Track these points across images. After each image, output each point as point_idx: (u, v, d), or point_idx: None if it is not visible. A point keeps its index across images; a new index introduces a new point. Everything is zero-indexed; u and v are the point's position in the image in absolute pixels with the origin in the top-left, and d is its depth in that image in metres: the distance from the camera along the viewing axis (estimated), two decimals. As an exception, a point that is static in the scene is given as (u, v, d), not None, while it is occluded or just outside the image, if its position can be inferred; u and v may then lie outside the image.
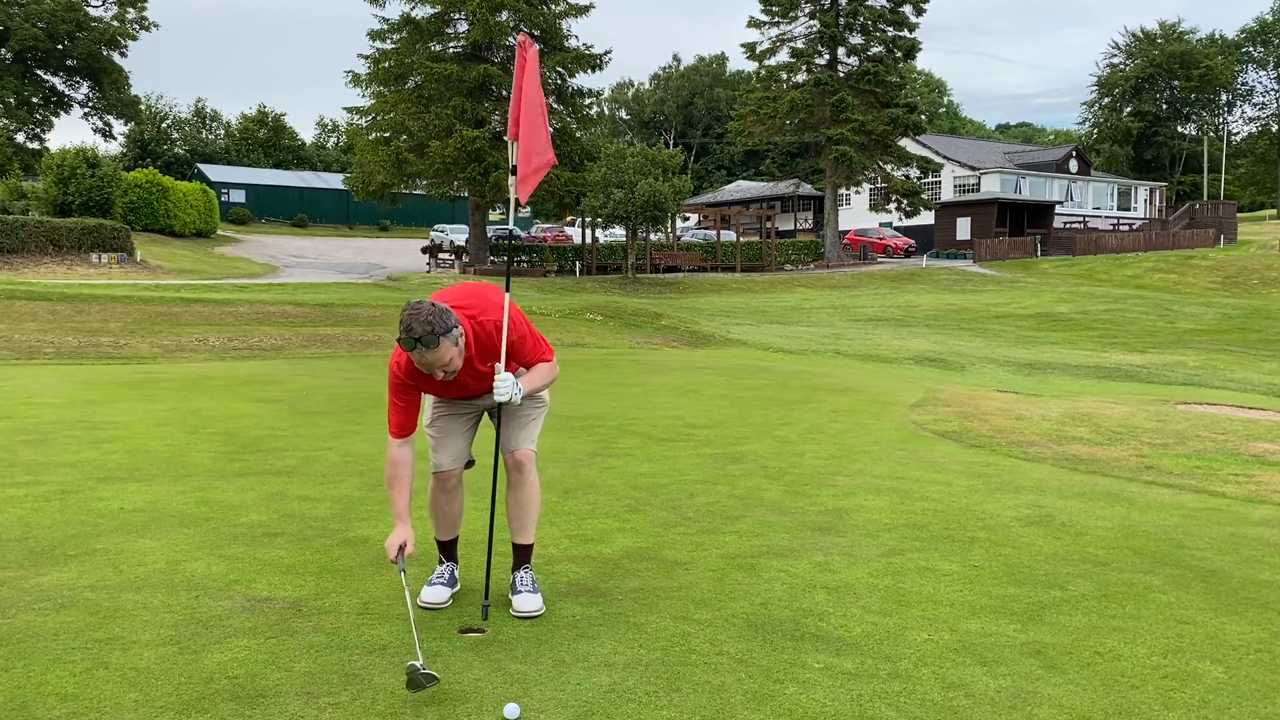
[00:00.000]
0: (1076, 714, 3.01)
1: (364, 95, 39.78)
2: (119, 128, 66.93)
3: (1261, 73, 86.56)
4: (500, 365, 3.71)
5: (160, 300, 21.41)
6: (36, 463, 6.42)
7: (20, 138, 58.52)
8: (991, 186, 57.31)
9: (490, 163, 37.08)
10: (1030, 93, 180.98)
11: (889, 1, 46.23)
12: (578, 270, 41.57)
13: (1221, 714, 3.03)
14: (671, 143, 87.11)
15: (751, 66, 52.91)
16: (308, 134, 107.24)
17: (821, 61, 47.13)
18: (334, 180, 67.89)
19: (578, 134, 40.72)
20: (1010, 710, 3.03)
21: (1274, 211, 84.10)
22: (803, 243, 50.85)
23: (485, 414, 4.05)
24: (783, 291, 37.69)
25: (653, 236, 44.78)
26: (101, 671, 3.12)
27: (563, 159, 39.48)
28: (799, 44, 47.45)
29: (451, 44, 39.50)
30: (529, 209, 57.33)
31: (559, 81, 40.38)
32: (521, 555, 3.94)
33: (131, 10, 58.30)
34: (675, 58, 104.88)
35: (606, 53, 39.86)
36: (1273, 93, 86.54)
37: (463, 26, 39.08)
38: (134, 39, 58.62)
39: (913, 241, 53.59)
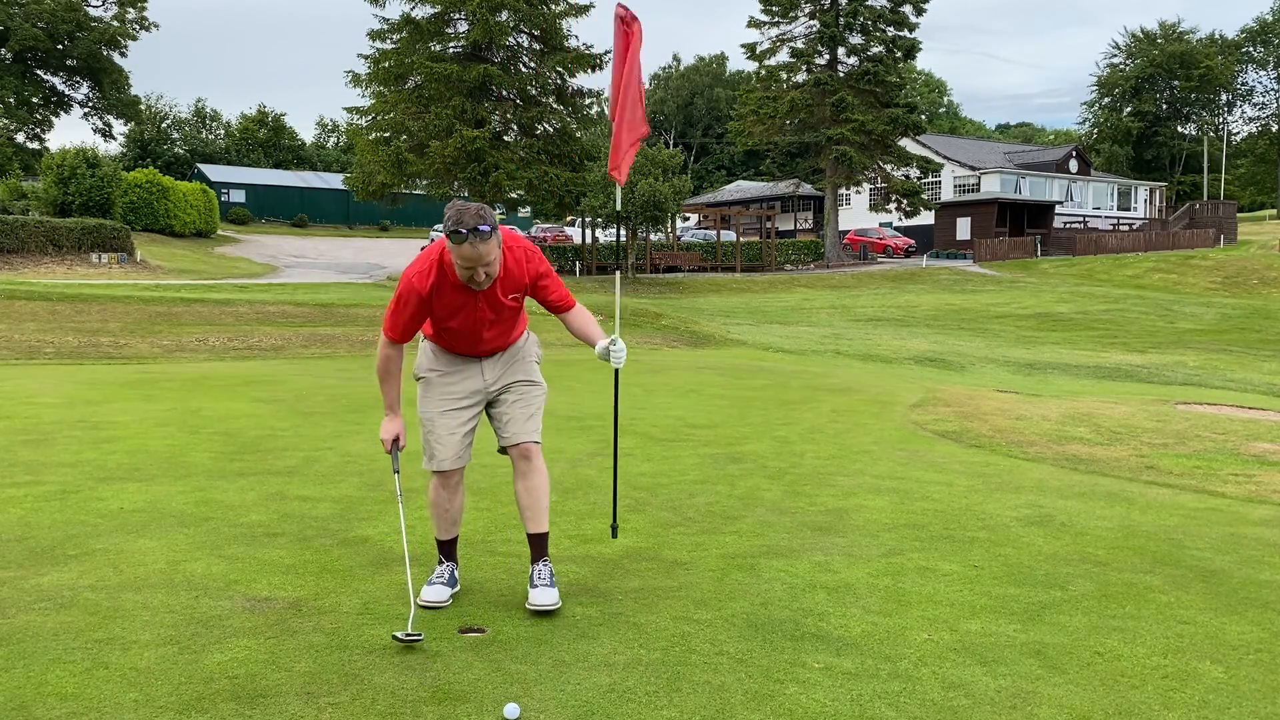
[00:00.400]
0: (1076, 714, 3.01)
1: (364, 95, 39.78)
2: (119, 128, 66.99)
3: (1261, 73, 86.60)
4: (611, 339, 3.85)
5: (160, 300, 21.41)
6: (36, 463, 6.42)
7: (20, 138, 58.53)
8: (991, 186, 57.32)
9: (490, 163, 37.07)
10: (1030, 93, 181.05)
11: (889, 1, 46.24)
12: (577, 270, 41.57)
13: (1221, 714, 3.03)
14: (671, 143, 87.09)
15: (751, 66, 52.96)
16: (308, 134, 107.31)
17: (821, 61, 47.14)
18: (334, 180, 67.89)
19: (578, 134, 40.70)
20: (1010, 710, 3.03)
21: (1274, 211, 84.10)
22: (803, 243, 50.86)
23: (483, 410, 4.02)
24: (783, 291, 37.69)
25: (653, 236, 44.79)
26: (101, 671, 3.12)
27: (563, 159, 39.50)
28: (799, 44, 47.47)
29: (451, 44, 39.49)
30: (529, 209, 57.27)
31: (559, 81, 40.37)
32: (539, 546, 3.90)
33: (131, 10, 58.30)
34: (675, 58, 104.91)
35: (606, 53, 39.83)
36: (1273, 93, 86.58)
37: (463, 26, 39.06)
38: (134, 39, 58.64)
39: (913, 241, 53.59)
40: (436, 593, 3.85)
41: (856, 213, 57.61)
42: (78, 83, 59.30)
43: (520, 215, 67.09)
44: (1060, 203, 59.22)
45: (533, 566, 3.87)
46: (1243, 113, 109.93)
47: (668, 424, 8.90)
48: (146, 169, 46.55)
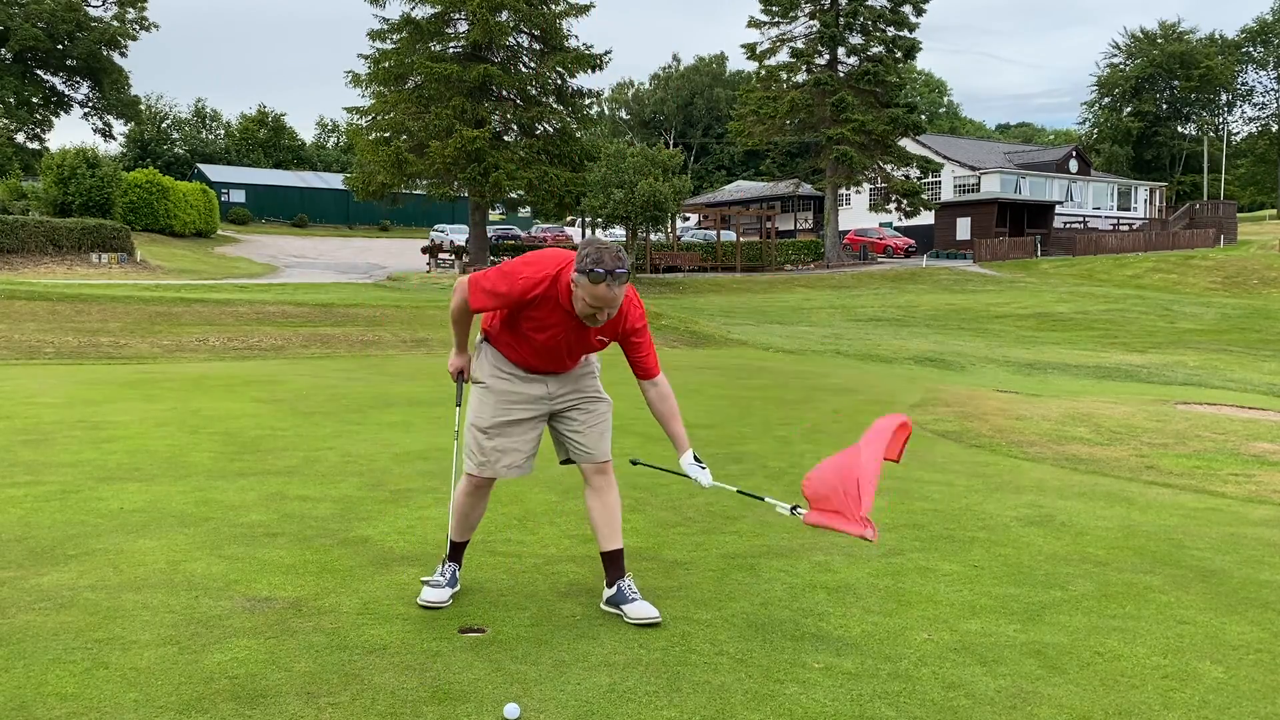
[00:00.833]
0: (1076, 714, 3.01)
1: (364, 95, 39.79)
2: (119, 128, 67.01)
3: (1261, 73, 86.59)
4: (688, 456, 3.82)
5: (160, 300, 21.41)
6: (36, 463, 6.42)
7: (20, 138, 58.56)
8: (991, 186, 57.31)
9: (490, 163, 37.07)
10: (1030, 93, 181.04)
11: (889, 1, 46.23)
12: (578, 270, 41.50)
13: (1221, 714, 3.03)
14: (671, 143, 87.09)
15: (751, 66, 52.93)
16: (308, 134, 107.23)
17: (821, 61, 47.12)
18: (334, 180, 67.90)
19: (578, 134, 40.70)
20: (1010, 710, 3.03)
21: (1274, 211, 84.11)
22: (803, 243, 50.85)
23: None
24: (783, 291, 37.69)
25: (653, 236, 44.78)
26: (101, 671, 3.12)
27: (563, 159, 39.50)
28: (799, 44, 47.45)
29: (451, 44, 39.49)
30: (529, 209, 57.28)
31: (559, 82, 40.37)
32: (619, 562, 3.84)
33: (131, 10, 58.32)
34: (675, 58, 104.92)
35: (606, 53, 39.86)
36: (1273, 93, 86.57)
37: (463, 26, 39.06)
38: (134, 39, 58.67)
39: (913, 241, 53.58)
40: (436, 594, 3.83)
41: (856, 213, 57.60)
42: (78, 83, 59.32)
43: (520, 215, 67.16)
44: (1060, 203, 59.22)
45: (620, 582, 3.79)
46: (1243, 113, 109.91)
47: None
48: (146, 169, 46.55)
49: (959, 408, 10.60)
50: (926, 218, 53.65)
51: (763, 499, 3.74)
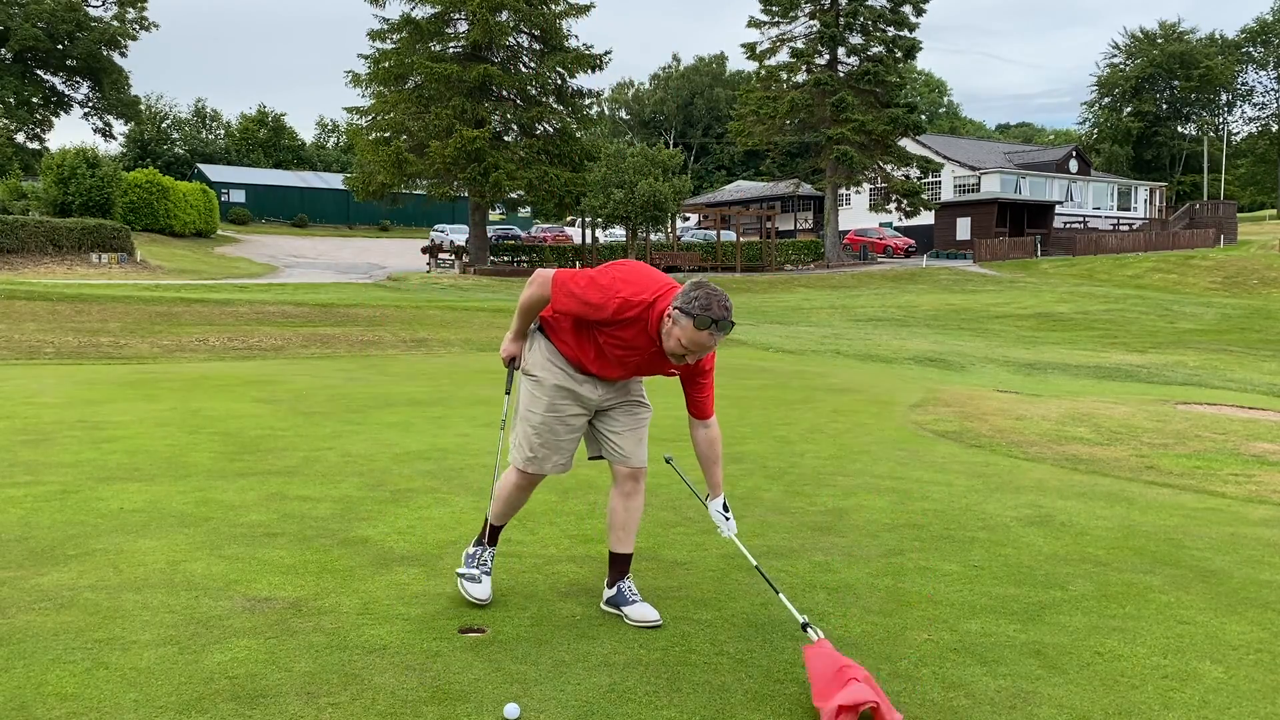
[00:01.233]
0: (1076, 714, 3.01)
1: (364, 95, 39.82)
2: (119, 128, 67.04)
3: (1261, 73, 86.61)
4: (718, 503, 3.81)
5: (160, 300, 21.41)
6: (36, 463, 6.42)
7: (20, 138, 58.57)
8: (991, 186, 57.32)
9: (490, 163, 37.08)
10: (1030, 93, 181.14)
11: (889, 1, 46.24)
12: (578, 270, 41.55)
13: (1221, 714, 3.03)
14: (671, 143, 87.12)
15: (751, 66, 52.97)
16: (308, 134, 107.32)
17: (821, 61, 47.13)
18: (334, 180, 67.93)
19: (578, 134, 40.71)
20: (1010, 710, 3.03)
21: (1274, 211, 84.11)
22: (803, 243, 50.86)
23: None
24: (783, 291, 37.69)
25: (653, 236, 44.78)
26: (101, 671, 3.12)
27: (563, 159, 39.51)
28: (799, 44, 47.47)
29: (451, 44, 39.51)
30: (529, 209, 57.28)
31: (559, 82, 40.37)
32: (625, 565, 3.87)
33: (131, 10, 58.34)
34: (675, 58, 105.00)
35: (606, 53, 39.88)
36: (1273, 93, 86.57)
37: (463, 26, 39.08)
38: (134, 39, 58.70)
39: (913, 241, 53.60)
40: (480, 590, 3.81)
41: (856, 213, 57.61)
42: (78, 83, 59.34)
43: (520, 215, 67.17)
44: (1060, 203, 59.23)
45: (621, 584, 3.81)
46: (1243, 113, 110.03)
47: (667, 424, 8.88)
48: (146, 169, 46.59)
49: (959, 408, 10.61)
50: (926, 218, 53.67)
51: (778, 593, 3.62)
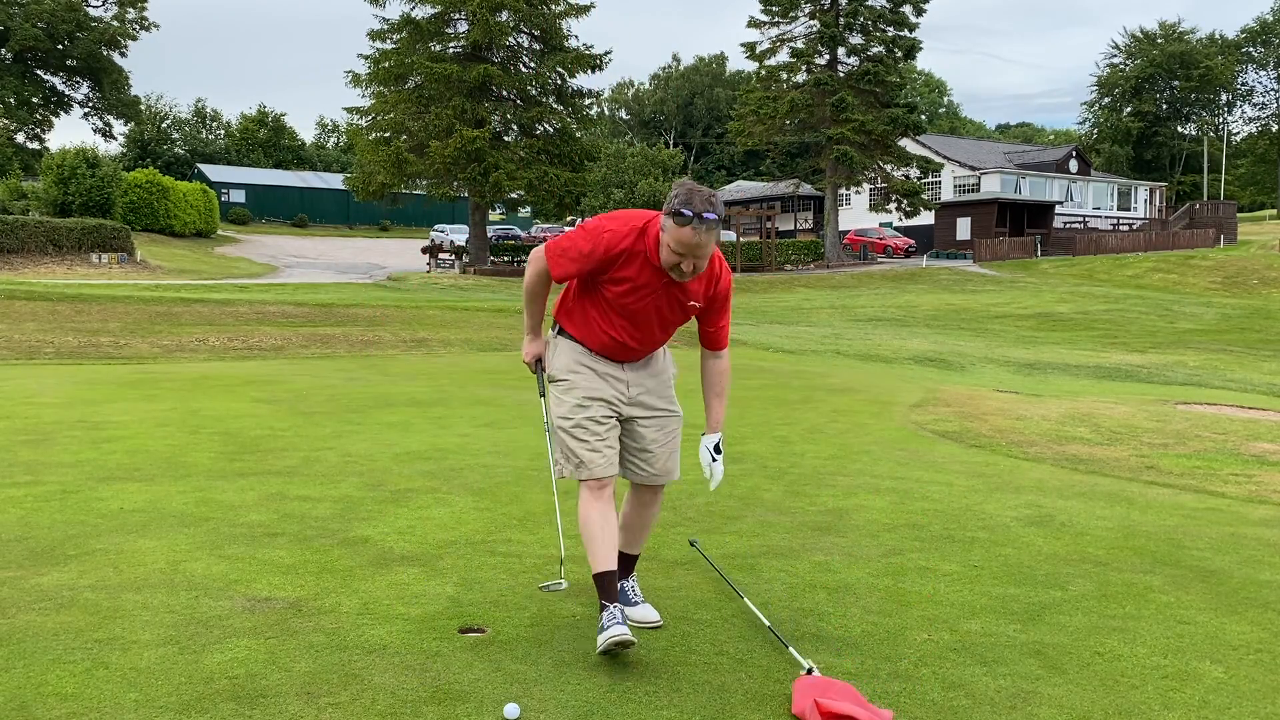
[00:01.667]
0: (1076, 714, 3.01)
1: (364, 95, 39.84)
2: (119, 128, 67.06)
3: (1261, 73, 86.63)
4: (712, 438, 3.59)
5: (160, 300, 21.41)
6: (36, 463, 6.42)
7: (20, 138, 58.59)
8: (991, 186, 57.32)
9: (490, 163, 37.08)
10: (1031, 93, 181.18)
11: (889, 1, 46.24)
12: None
13: (1221, 714, 3.03)
14: (671, 143, 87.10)
15: (751, 66, 52.96)
16: (308, 134, 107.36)
17: (821, 61, 47.14)
18: (334, 180, 67.95)
19: (578, 134, 40.71)
20: (1010, 710, 3.03)
21: (1274, 211, 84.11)
22: (803, 243, 50.86)
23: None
24: (783, 291, 37.68)
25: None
26: (101, 671, 3.12)
27: (563, 159, 39.50)
28: (799, 44, 47.47)
29: (451, 44, 39.52)
30: (529, 209, 57.27)
31: (559, 82, 40.37)
32: (629, 565, 3.76)
33: (131, 10, 58.36)
34: (675, 58, 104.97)
35: (606, 53, 39.89)
36: (1273, 93, 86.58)
37: (463, 26, 39.10)
38: (134, 39, 58.72)
39: (913, 241, 53.59)
40: (619, 630, 3.22)
41: (856, 213, 57.61)
42: (78, 83, 59.35)
43: (520, 215, 67.15)
44: (1060, 203, 59.23)
45: (625, 582, 3.70)
46: (1243, 113, 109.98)
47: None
48: (146, 169, 46.63)
49: (959, 408, 10.61)
50: (926, 218, 53.66)
51: (787, 646, 3.40)
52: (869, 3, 46.02)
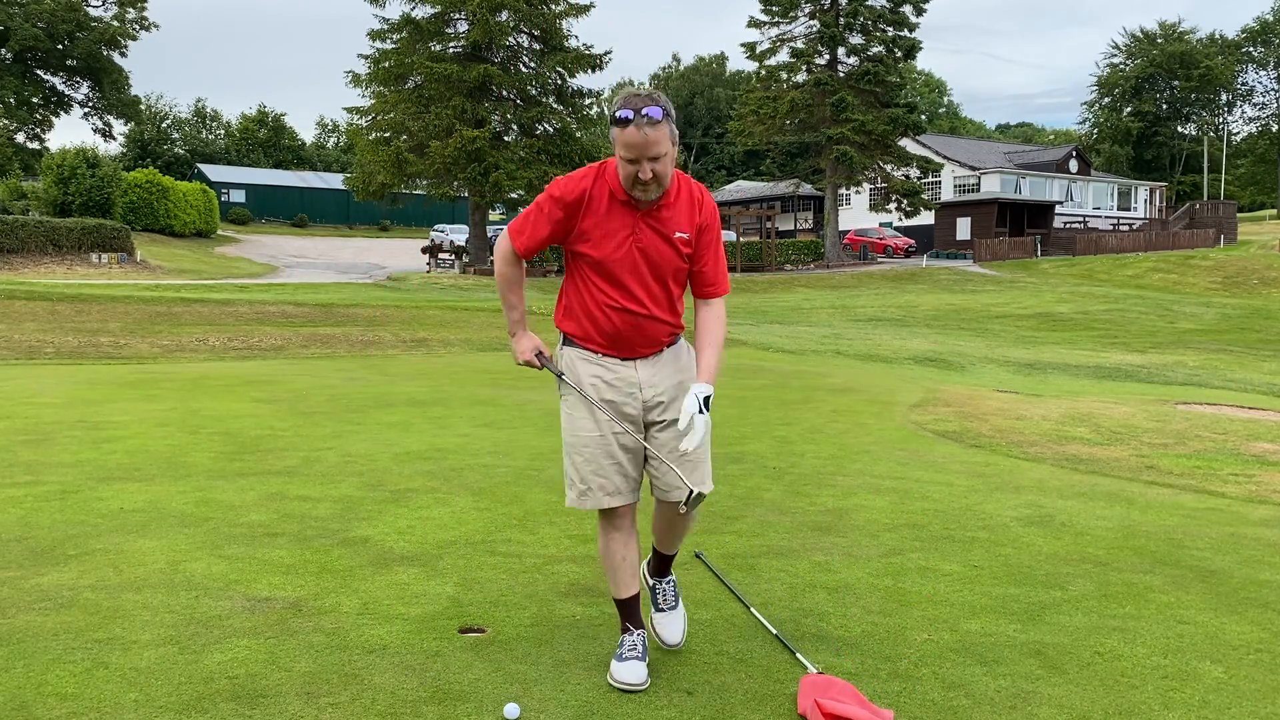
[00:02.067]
0: (1076, 714, 3.01)
1: (364, 95, 39.85)
2: (119, 128, 67.07)
3: (1261, 73, 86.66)
4: (702, 387, 3.01)
5: (160, 300, 21.41)
6: (36, 463, 6.42)
7: (20, 138, 58.59)
8: (991, 186, 57.32)
9: (490, 163, 37.08)
10: (1031, 93, 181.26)
11: (889, 1, 46.25)
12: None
13: (1221, 714, 3.03)
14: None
15: (751, 66, 52.97)
16: (308, 134, 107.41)
17: (821, 61, 47.14)
18: (334, 180, 67.94)
19: (578, 134, 40.71)
20: (1010, 710, 3.03)
21: (1274, 211, 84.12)
22: (803, 243, 50.87)
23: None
24: (783, 291, 37.68)
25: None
26: (101, 671, 3.12)
27: (563, 159, 39.49)
28: (799, 44, 47.48)
29: (451, 44, 39.53)
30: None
31: (559, 82, 40.37)
32: (666, 565, 3.47)
33: (131, 10, 58.37)
34: (675, 58, 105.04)
35: (606, 53, 39.89)
36: (1273, 93, 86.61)
37: (463, 26, 39.10)
38: (134, 39, 58.73)
39: (913, 241, 53.60)
40: (634, 671, 3.11)
41: (856, 213, 57.61)
42: (78, 83, 59.36)
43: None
44: (1060, 203, 59.23)
45: (662, 582, 3.43)
46: (1243, 113, 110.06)
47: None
48: (146, 169, 46.62)
49: (959, 408, 10.61)
50: (926, 218, 53.66)
51: (795, 652, 3.37)
52: (869, 3, 46.03)
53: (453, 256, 42.99)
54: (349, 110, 41.57)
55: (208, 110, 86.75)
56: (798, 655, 3.36)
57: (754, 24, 48.04)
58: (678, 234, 3.08)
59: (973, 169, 58.74)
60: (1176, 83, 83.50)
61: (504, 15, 38.14)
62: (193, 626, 3.52)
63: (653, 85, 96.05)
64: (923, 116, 53.94)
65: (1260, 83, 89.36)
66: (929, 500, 5.95)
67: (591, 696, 3.04)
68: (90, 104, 60.17)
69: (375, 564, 4.34)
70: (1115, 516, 5.66)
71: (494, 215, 49.87)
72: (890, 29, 46.57)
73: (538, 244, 3.13)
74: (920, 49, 47.21)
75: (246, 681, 3.07)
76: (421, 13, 38.67)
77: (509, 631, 3.57)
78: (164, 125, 79.93)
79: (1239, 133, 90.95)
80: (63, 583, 3.98)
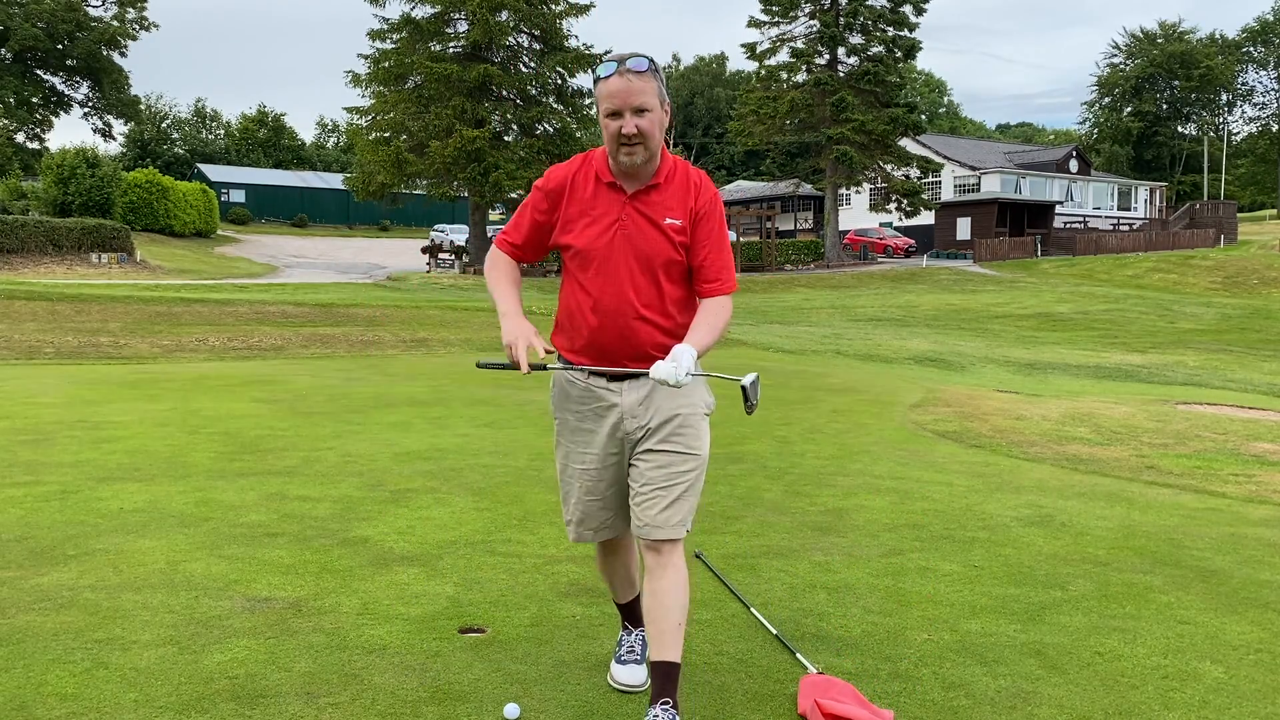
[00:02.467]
0: (1076, 714, 3.01)
1: (364, 95, 39.84)
2: (119, 128, 67.09)
3: (1261, 73, 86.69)
4: (687, 348, 2.67)
5: (160, 300, 21.41)
6: (36, 463, 6.42)
7: (20, 138, 58.59)
8: (991, 186, 57.32)
9: (490, 163, 37.08)
10: (1031, 93, 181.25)
11: (889, 1, 46.25)
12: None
13: (1221, 714, 3.03)
14: (672, 143, 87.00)
15: (751, 66, 52.97)
16: (308, 134, 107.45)
17: (821, 61, 47.14)
18: (334, 180, 67.93)
19: (578, 134, 40.71)
20: (1010, 710, 3.03)
21: (1274, 211, 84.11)
22: (803, 243, 50.86)
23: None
24: (783, 291, 37.68)
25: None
26: (101, 671, 3.12)
27: (563, 159, 39.42)
28: (799, 44, 47.48)
29: (451, 44, 39.52)
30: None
31: (559, 82, 40.36)
32: (664, 679, 2.74)
33: (131, 10, 58.37)
34: (675, 58, 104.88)
35: (607, 52, 39.60)
36: (1273, 93, 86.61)
37: (463, 26, 39.10)
38: (134, 39, 58.72)
39: (913, 241, 53.60)
40: (633, 674, 3.07)
41: (856, 213, 57.60)
42: (78, 83, 59.35)
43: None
44: (1060, 203, 59.23)
45: (650, 708, 2.72)
46: (1243, 113, 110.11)
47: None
48: (146, 169, 46.60)
49: (959, 408, 10.61)
50: (926, 218, 53.65)
51: (795, 653, 3.36)
52: (869, 3, 46.02)
53: (453, 256, 42.99)
54: (349, 110, 41.58)
55: (207, 110, 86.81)
56: (798, 655, 3.36)
57: (754, 24, 48.04)
58: (668, 219, 2.79)
59: (973, 169, 58.73)
60: (1176, 83, 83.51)
61: (504, 15, 38.14)
62: (193, 626, 3.52)
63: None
64: (923, 116, 53.94)
65: (1260, 83, 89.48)
66: (929, 500, 5.95)
67: (591, 697, 3.04)
68: (90, 104, 60.18)
69: (375, 564, 4.34)
70: (1115, 516, 5.66)
71: (494, 215, 49.84)
72: (890, 29, 46.56)
73: (524, 238, 2.91)
74: (920, 49, 47.20)
75: (246, 681, 3.07)
76: (421, 13, 38.67)
77: (509, 631, 3.57)
78: (164, 125, 79.93)
79: (1239, 133, 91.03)
80: (63, 583, 3.98)
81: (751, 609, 3.79)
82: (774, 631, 3.58)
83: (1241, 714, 3.03)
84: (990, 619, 3.82)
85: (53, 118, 59.67)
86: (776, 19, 47.71)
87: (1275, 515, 5.85)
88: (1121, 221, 61.90)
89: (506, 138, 40.38)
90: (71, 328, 17.54)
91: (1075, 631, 3.71)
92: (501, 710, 2.89)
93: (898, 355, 19.69)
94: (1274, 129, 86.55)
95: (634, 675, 3.08)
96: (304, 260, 44.07)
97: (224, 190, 63.74)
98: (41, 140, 59.76)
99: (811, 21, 47.11)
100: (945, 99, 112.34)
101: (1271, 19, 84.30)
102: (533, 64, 40.17)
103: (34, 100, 57.41)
